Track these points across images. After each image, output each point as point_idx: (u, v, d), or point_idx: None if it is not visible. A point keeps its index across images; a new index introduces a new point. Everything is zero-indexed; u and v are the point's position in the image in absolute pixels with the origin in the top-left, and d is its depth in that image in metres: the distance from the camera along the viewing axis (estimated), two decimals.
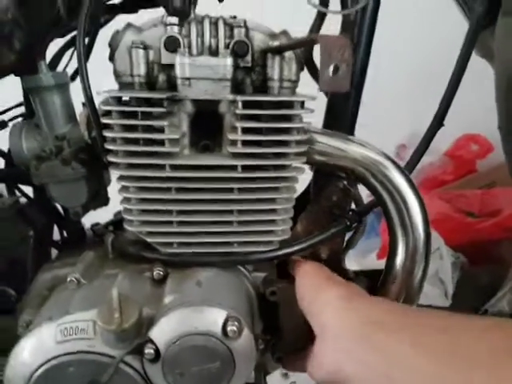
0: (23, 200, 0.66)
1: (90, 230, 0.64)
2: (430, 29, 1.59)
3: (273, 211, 0.51)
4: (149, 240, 0.52)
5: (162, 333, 0.42)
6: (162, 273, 0.50)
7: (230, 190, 0.49)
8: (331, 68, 0.31)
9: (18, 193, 0.66)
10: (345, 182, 0.60)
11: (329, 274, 0.47)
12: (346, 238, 0.64)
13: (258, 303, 0.53)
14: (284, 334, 0.51)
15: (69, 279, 0.50)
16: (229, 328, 0.41)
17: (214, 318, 0.42)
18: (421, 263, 0.51)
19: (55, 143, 0.54)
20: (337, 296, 0.41)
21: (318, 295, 0.43)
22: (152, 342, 0.42)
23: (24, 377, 0.41)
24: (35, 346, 0.42)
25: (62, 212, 0.64)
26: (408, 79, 1.72)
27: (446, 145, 1.75)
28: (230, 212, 0.50)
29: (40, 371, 0.41)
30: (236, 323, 0.42)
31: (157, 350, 0.42)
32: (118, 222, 0.60)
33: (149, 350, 0.41)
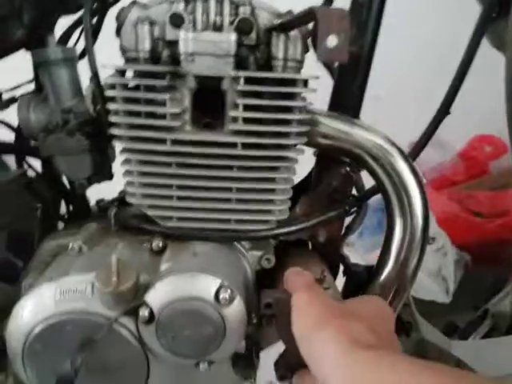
0: (32, 174, 0.68)
1: (95, 205, 0.67)
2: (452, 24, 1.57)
3: (271, 191, 0.52)
4: (149, 213, 0.53)
5: (157, 296, 0.43)
6: (160, 244, 0.52)
7: (230, 168, 0.50)
8: (329, 38, 0.32)
9: (26, 166, 0.69)
10: (347, 168, 0.61)
11: (323, 301, 0.40)
12: (346, 225, 0.65)
13: (253, 279, 0.55)
14: (285, 349, 0.45)
15: (71, 246, 0.52)
16: (221, 295, 0.43)
17: (207, 285, 0.43)
18: (416, 251, 0.52)
19: (62, 116, 0.56)
20: (336, 346, 0.35)
21: (316, 341, 0.36)
22: (147, 304, 0.43)
23: (23, 333, 0.44)
24: (35, 305, 0.44)
25: (68, 186, 0.67)
26: (426, 76, 1.71)
27: (460, 144, 1.73)
28: (229, 189, 0.51)
29: (38, 329, 0.43)
30: (228, 291, 0.43)
31: (151, 313, 0.43)
32: (122, 199, 0.63)
33: (143, 312, 0.43)
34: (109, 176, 0.63)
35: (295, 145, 0.51)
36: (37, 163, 0.67)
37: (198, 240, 0.52)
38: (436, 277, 1.00)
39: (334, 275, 0.63)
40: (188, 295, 0.43)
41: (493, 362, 0.77)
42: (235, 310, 0.44)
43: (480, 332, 0.98)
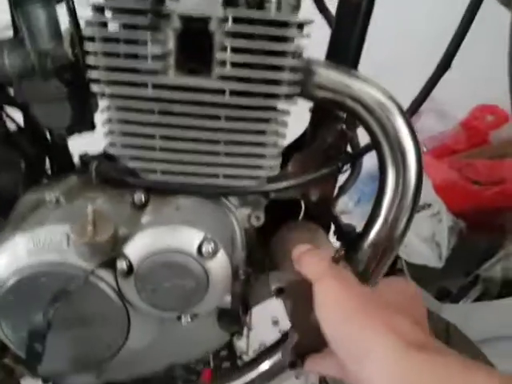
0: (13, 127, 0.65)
1: (79, 160, 0.64)
2: None
3: (261, 144, 0.49)
4: (131, 165, 0.51)
5: (136, 248, 0.42)
6: (143, 198, 0.49)
7: (217, 118, 0.47)
8: None
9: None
10: (342, 125, 0.58)
11: (355, 291, 0.36)
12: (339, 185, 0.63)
13: (241, 236, 0.53)
14: (297, 335, 0.42)
15: (48, 198, 0.50)
16: (204, 248, 0.41)
17: (189, 238, 0.41)
18: (407, 211, 0.50)
19: (38, 60, 0.52)
20: (385, 346, 0.32)
21: (359, 339, 0.33)
22: (125, 256, 0.42)
23: None
24: (8, 256, 0.42)
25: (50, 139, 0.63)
26: (428, 44, 1.65)
27: (461, 114, 1.69)
28: (217, 142, 0.49)
29: (11, 281, 0.42)
30: (212, 244, 0.41)
31: (130, 265, 0.42)
32: (106, 154, 0.60)
33: (121, 264, 0.41)
34: (90, 127, 0.60)
35: (287, 95, 0.48)
36: (19, 116, 0.64)
37: (183, 194, 0.50)
38: (430, 242, 0.99)
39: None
40: (169, 248, 0.41)
41: (481, 325, 0.77)
42: (219, 263, 0.42)
43: (471, 296, 0.98)
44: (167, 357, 0.55)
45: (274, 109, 0.48)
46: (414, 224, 1.07)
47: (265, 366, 0.57)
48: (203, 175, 0.50)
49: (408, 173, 0.49)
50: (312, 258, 0.40)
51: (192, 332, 0.50)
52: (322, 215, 0.60)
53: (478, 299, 0.96)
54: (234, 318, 0.50)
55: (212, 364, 1.00)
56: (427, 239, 0.99)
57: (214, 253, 0.41)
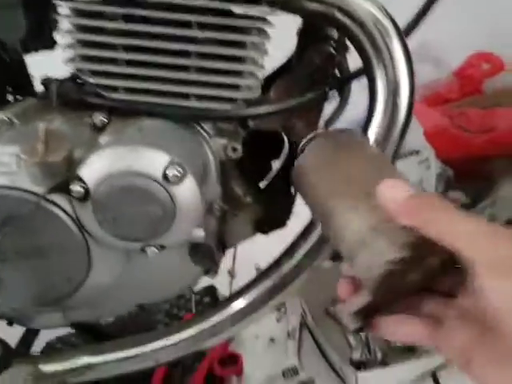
0: None
1: (41, 84, 0.57)
2: None
3: (239, 59, 0.44)
4: (92, 81, 0.45)
5: (92, 170, 0.37)
6: (104, 119, 0.44)
7: (188, 25, 0.41)
8: None
9: None
10: (331, 47, 0.53)
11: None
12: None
13: (216, 169, 0.49)
14: (371, 296, 0.29)
15: (0, 118, 0.44)
16: (170, 172, 0.37)
17: (154, 160, 0.37)
18: (394, 142, 0.45)
19: None
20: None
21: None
22: (80, 179, 0.37)
23: None
24: None
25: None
26: None
27: (456, 63, 1.63)
28: (187, 54, 0.43)
29: None
30: (179, 168, 0.37)
31: (86, 189, 0.37)
32: (71, 78, 0.54)
33: (76, 188, 0.37)
34: (49, 44, 0.53)
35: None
36: None
37: (149, 116, 0.44)
38: (417, 188, 0.96)
39: None
40: (129, 170, 0.36)
41: None
42: (187, 190, 0.38)
43: None
44: (138, 295, 0.52)
45: (253, 18, 0.42)
46: (402, 169, 1.05)
47: (241, 303, 0.54)
48: (172, 95, 0.44)
49: (399, 103, 0.44)
50: (417, 200, 0.28)
51: (161, 267, 0.47)
52: None
53: None
54: (206, 253, 0.47)
55: (194, 310, 1.00)
56: (414, 185, 0.96)
57: (182, 178, 0.37)
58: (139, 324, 0.85)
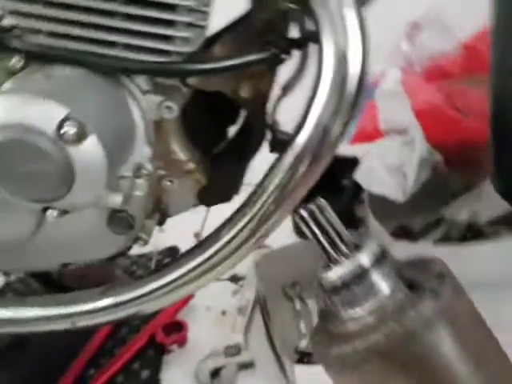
0: None
1: None
2: None
3: (171, 7, 0.41)
4: (10, 22, 0.42)
5: None
6: (18, 65, 0.42)
7: None
8: None
9: None
10: (288, 5, 0.49)
11: None
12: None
13: (146, 129, 0.47)
14: None
15: None
16: (64, 128, 0.35)
17: (47, 113, 0.35)
18: (344, 113, 0.43)
19: None
20: None
21: None
22: None
23: None
24: None
25: None
26: None
27: (466, 34, 1.55)
28: None
29: None
30: (77, 125, 0.35)
31: None
32: None
33: None
34: None
35: None
36: None
37: (68, 64, 0.42)
38: (395, 172, 0.94)
39: (257, 145, 0.55)
40: (20, 122, 0.34)
41: None
42: (87, 150, 0.36)
43: (429, 238, 0.95)
44: (57, 254, 0.51)
45: None
46: (381, 148, 1.02)
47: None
48: (96, 42, 0.42)
49: (348, 72, 0.41)
50: None
51: (77, 229, 0.46)
52: (256, 119, 0.53)
53: (438, 241, 0.93)
54: (124, 221, 0.46)
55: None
56: (393, 168, 0.94)
57: (81, 137, 0.35)
58: (98, 276, 0.86)
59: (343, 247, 0.38)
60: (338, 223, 0.39)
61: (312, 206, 0.38)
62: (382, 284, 0.37)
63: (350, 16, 0.41)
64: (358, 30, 0.41)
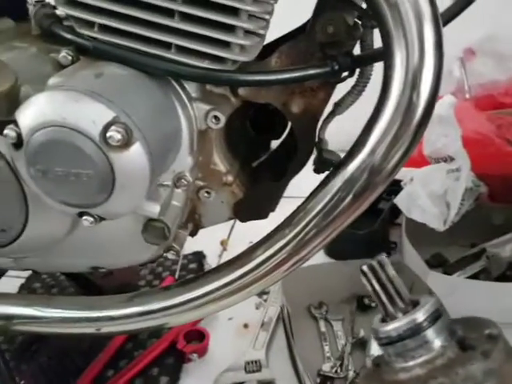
0: None
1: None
2: None
3: (233, 12, 0.37)
4: (67, 11, 0.40)
5: (27, 115, 0.33)
6: (69, 57, 0.39)
7: None
8: None
9: None
10: (356, 19, 0.45)
11: None
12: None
13: (190, 138, 0.43)
14: None
15: None
16: (110, 133, 0.31)
17: (93, 114, 0.32)
18: (405, 143, 0.38)
19: None
20: None
21: None
22: (15, 123, 0.33)
23: None
24: None
25: None
26: None
27: None
28: None
29: None
30: (123, 131, 0.32)
31: (19, 136, 0.33)
32: None
33: (9, 132, 0.33)
34: None
35: None
36: None
37: (119, 63, 0.39)
38: (438, 200, 0.88)
39: (301, 164, 0.51)
40: (63, 121, 0.32)
41: (469, 303, 0.69)
42: (131, 158, 0.33)
43: (468, 271, 0.89)
44: (88, 257, 0.49)
45: None
46: (424, 174, 0.95)
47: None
48: (150, 41, 0.39)
49: (418, 92, 0.37)
50: None
51: (108, 236, 0.43)
52: (304, 136, 0.49)
53: (475, 276, 0.86)
54: (160, 231, 0.42)
55: (178, 274, 0.99)
56: (436, 196, 0.88)
57: (127, 144, 0.32)
58: (123, 274, 0.84)
59: (401, 303, 0.40)
60: (397, 280, 0.41)
61: (373, 262, 0.41)
62: (435, 341, 0.39)
63: (428, 29, 0.36)
64: (434, 50, 0.37)
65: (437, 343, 0.38)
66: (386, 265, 0.41)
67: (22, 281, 0.94)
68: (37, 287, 0.92)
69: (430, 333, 0.39)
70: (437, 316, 0.39)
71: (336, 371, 0.71)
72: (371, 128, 0.38)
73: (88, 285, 0.67)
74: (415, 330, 0.38)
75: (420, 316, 0.39)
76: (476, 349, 0.38)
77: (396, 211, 0.97)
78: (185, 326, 0.77)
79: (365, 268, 0.41)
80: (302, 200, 0.44)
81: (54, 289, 0.90)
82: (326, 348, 0.76)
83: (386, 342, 0.40)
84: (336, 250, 0.96)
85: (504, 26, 1.41)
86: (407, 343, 0.38)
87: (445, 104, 0.90)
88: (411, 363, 0.38)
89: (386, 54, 0.38)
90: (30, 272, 0.92)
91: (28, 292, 0.90)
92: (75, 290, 0.80)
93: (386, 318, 0.41)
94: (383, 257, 0.41)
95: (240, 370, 0.73)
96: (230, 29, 0.38)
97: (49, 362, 0.64)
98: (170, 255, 0.49)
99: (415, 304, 0.40)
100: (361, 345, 0.75)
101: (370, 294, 0.41)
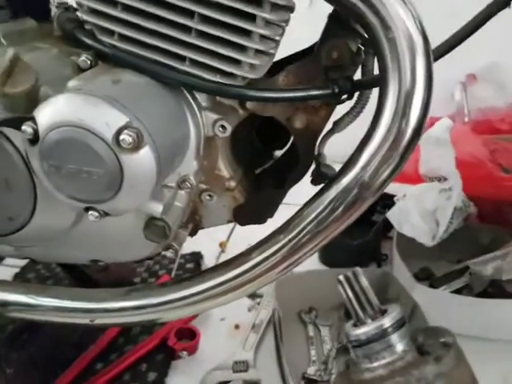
0: None
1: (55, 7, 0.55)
2: None
3: (246, 33, 0.39)
4: (88, 19, 0.42)
5: (45, 113, 0.35)
6: (88, 62, 0.41)
7: None
8: None
9: None
10: (360, 45, 0.47)
11: None
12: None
13: (197, 144, 0.45)
14: None
15: None
16: (122, 136, 0.34)
17: (108, 118, 0.34)
18: (393, 162, 0.40)
19: None
20: None
21: None
22: (33, 120, 0.35)
23: None
24: None
25: None
26: None
27: None
28: (190, 13, 0.39)
29: None
30: (134, 135, 0.34)
31: (36, 132, 0.35)
32: None
33: (27, 128, 0.35)
34: None
35: None
36: None
37: (136, 71, 0.41)
38: (429, 217, 0.90)
39: (300, 175, 0.53)
40: (79, 122, 0.34)
41: (452, 317, 0.71)
42: (140, 160, 0.35)
43: (452, 286, 0.91)
44: (89, 250, 0.50)
45: None
46: (417, 192, 0.98)
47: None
48: (166, 53, 0.41)
49: (407, 120, 0.39)
50: None
51: (110, 231, 0.45)
52: (305, 150, 0.51)
53: (458, 291, 0.88)
54: (161, 229, 0.44)
55: (174, 273, 1.00)
56: (426, 213, 0.90)
57: (137, 147, 0.34)
58: (119, 270, 0.85)
59: (370, 310, 0.44)
60: (369, 290, 0.45)
61: (349, 273, 0.45)
62: (398, 345, 0.43)
63: (420, 64, 0.39)
64: (424, 83, 0.39)
65: (399, 347, 0.42)
66: (359, 276, 0.44)
67: (17, 270, 0.94)
68: (31, 277, 0.92)
69: (394, 337, 0.42)
70: (401, 323, 0.43)
71: (320, 375, 0.73)
72: (363, 148, 0.41)
73: (83, 278, 0.68)
74: (381, 335, 0.42)
75: (386, 322, 0.43)
76: (431, 354, 0.42)
77: (389, 225, 0.99)
78: (177, 324, 0.79)
79: (341, 277, 0.45)
80: (298, 207, 0.46)
81: (48, 280, 0.90)
82: (313, 352, 0.78)
83: (356, 345, 0.44)
84: (330, 258, 0.99)
85: (507, 56, 1.44)
86: (373, 346, 0.42)
87: (442, 126, 0.92)
88: (375, 364, 0.42)
89: (381, 82, 0.40)
90: (25, 261, 0.93)
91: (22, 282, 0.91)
92: (70, 282, 0.80)
93: (357, 322, 0.45)
94: (358, 268, 0.45)
95: (228, 369, 0.74)
96: (241, 48, 0.40)
97: (39, 352, 0.64)
98: (169, 253, 0.51)
99: (383, 312, 0.44)
100: (345, 350, 0.77)
101: (344, 300, 0.45)
